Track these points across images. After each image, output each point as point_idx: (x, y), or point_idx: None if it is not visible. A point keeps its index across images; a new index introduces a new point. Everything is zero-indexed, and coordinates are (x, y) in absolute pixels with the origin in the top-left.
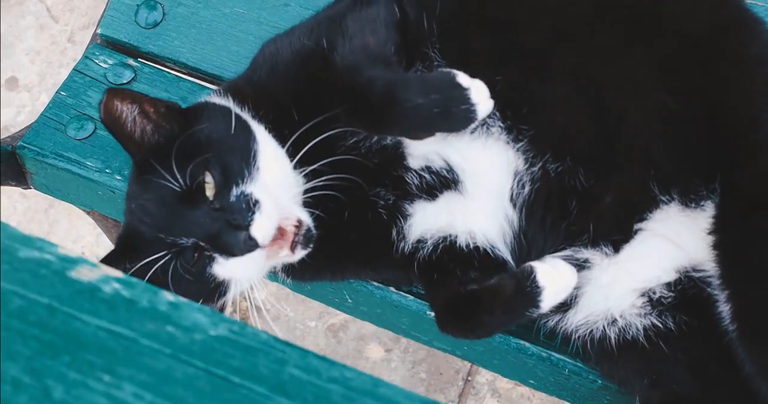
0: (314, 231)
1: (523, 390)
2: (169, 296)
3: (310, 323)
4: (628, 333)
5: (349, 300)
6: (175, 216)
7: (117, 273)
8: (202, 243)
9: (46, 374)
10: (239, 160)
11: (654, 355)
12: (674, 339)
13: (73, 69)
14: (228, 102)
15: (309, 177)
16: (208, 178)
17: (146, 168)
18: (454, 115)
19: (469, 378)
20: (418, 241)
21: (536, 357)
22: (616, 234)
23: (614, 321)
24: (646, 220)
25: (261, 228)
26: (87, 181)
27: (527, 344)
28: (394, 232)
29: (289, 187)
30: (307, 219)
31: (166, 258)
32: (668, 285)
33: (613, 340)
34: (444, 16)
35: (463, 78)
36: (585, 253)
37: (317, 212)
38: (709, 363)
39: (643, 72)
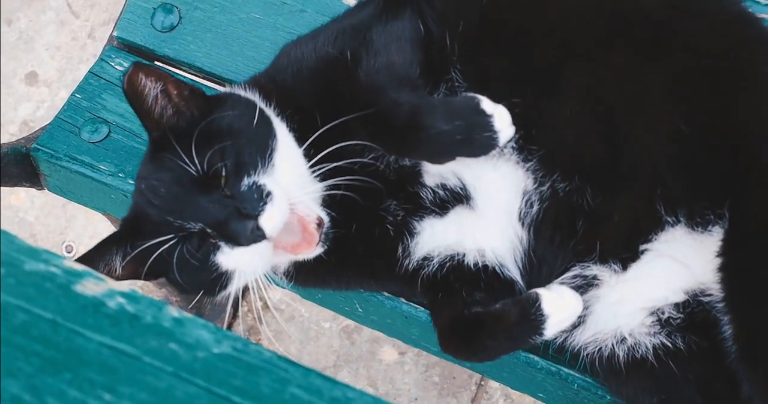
0: (331, 230)
1: None
2: (173, 311)
3: (324, 324)
4: (637, 351)
5: (360, 310)
6: (185, 200)
7: (122, 287)
8: (209, 230)
9: (46, 392)
10: (255, 153)
11: (663, 375)
12: (684, 359)
13: (89, 71)
14: (253, 96)
15: (325, 179)
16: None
17: (163, 147)
18: (477, 142)
19: (482, 383)
20: (424, 259)
21: (545, 372)
22: (623, 252)
23: (623, 339)
24: (652, 241)
25: (270, 218)
26: (100, 185)
27: (536, 358)
28: (399, 249)
29: (304, 185)
30: (326, 218)
31: (172, 241)
32: (677, 306)
33: (621, 358)
34: (465, 34)
35: (487, 104)
36: (593, 269)
37: (333, 213)
38: (719, 384)
39: (655, 91)
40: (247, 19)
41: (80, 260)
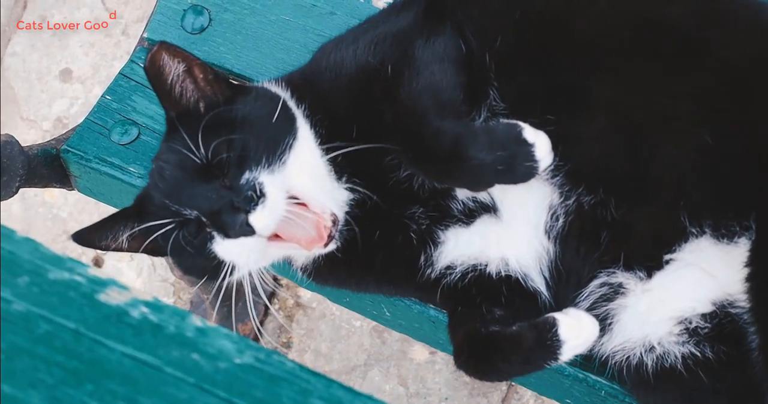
0: (345, 228)
1: None
2: (197, 321)
3: (355, 322)
4: (666, 360)
5: (387, 314)
6: (185, 187)
7: (146, 296)
8: (204, 219)
9: None
10: (265, 148)
11: (692, 385)
12: (713, 368)
13: (119, 72)
14: (283, 93)
15: (355, 188)
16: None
17: (175, 130)
18: (517, 172)
19: (513, 383)
20: (447, 268)
21: (572, 378)
22: (648, 261)
23: (652, 348)
24: (677, 252)
25: (260, 218)
26: (129, 187)
27: (564, 364)
28: (422, 258)
29: (321, 184)
30: (341, 216)
31: (170, 226)
32: (704, 316)
33: (649, 367)
34: (502, 50)
35: (528, 132)
36: (619, 277)
37: (356, 218)
38: (749, 396)
39: (682, 103)
40: (277, 22)
41: (87, 229)
